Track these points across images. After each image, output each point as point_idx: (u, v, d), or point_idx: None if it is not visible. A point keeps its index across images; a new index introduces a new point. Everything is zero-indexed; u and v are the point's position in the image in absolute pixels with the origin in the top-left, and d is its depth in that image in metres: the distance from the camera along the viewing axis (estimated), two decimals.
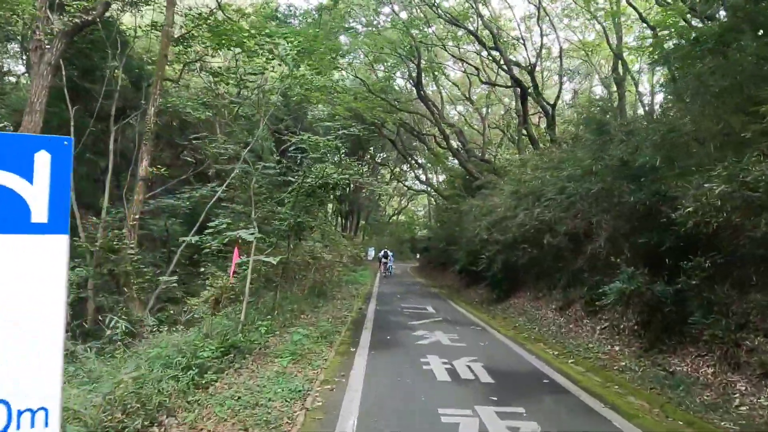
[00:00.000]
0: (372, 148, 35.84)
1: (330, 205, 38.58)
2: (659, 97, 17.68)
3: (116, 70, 13.55)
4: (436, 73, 25.13)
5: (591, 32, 21.41)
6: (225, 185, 12.25)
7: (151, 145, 11.45)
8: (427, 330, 9.00)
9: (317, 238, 14.82)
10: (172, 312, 11.44)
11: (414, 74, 21.72)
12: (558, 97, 19.35)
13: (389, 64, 23.35)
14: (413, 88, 26.97)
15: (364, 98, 21.12)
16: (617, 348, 7.25)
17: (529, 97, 18.97)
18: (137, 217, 10.94)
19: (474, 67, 23.88)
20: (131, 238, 10.69)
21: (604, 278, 8.58)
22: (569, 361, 6.97)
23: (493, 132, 30.07)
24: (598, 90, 25.01)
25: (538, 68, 20.43)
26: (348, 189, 36.33)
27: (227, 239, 6.19)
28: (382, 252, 26.72)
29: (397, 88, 26.43)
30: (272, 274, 10.75)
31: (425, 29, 20.56)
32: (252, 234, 5.55)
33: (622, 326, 7.79)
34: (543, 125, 23.04)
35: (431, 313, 11.81)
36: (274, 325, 8.26)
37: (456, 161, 27.67)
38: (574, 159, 10.01)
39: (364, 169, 22.67)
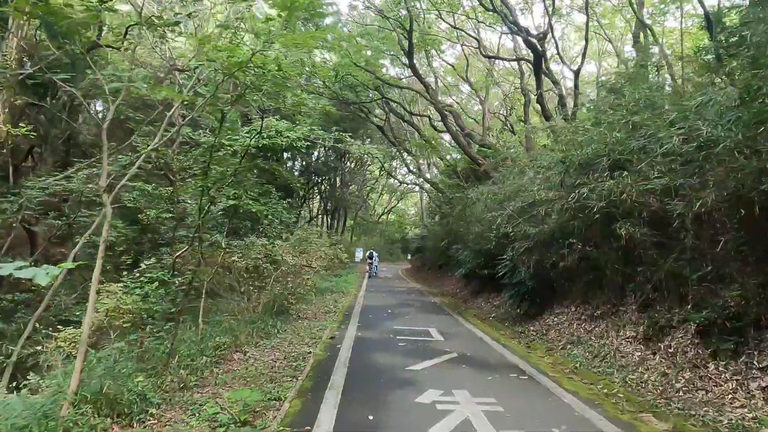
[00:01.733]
0: (359, 140, 32.38)
1: (316, 204, 34.87)
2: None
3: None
4: (428, 48, 21.50)
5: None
6: (141, 157, 8.29)
7: (9, 93, 7.50)
8: (439, 387, 5.15)
9: (275, 233, 10.92)
10: (40, 349, 7.52)
11: (406, 46, 17.89)
12: (583, 58, 15.66)
13: (378, 36, 19.59)
14: (401, 74, 23.59)
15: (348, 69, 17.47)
16: None
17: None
18: None
19: (475, 38, 20.46)
20: None
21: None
22: None
23: (492, 122, 26.64)
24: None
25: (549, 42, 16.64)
26: (331, 181, 32.77)
27: None
28: (368, 253, 26.73)
29: (384, 71, 22.77)
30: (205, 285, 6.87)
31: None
32: None
33: None
34: (550, 109, 19.47)
35: (439, 344, 7.97)
36: (156, 393, 4.37)
37: (453, 147, 24.19)
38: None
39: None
